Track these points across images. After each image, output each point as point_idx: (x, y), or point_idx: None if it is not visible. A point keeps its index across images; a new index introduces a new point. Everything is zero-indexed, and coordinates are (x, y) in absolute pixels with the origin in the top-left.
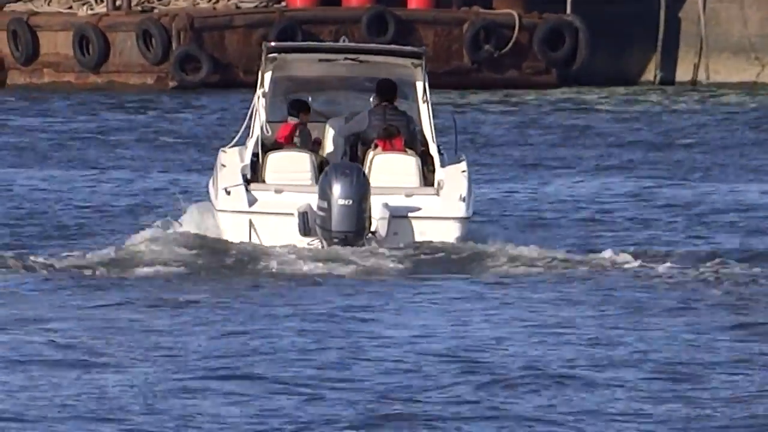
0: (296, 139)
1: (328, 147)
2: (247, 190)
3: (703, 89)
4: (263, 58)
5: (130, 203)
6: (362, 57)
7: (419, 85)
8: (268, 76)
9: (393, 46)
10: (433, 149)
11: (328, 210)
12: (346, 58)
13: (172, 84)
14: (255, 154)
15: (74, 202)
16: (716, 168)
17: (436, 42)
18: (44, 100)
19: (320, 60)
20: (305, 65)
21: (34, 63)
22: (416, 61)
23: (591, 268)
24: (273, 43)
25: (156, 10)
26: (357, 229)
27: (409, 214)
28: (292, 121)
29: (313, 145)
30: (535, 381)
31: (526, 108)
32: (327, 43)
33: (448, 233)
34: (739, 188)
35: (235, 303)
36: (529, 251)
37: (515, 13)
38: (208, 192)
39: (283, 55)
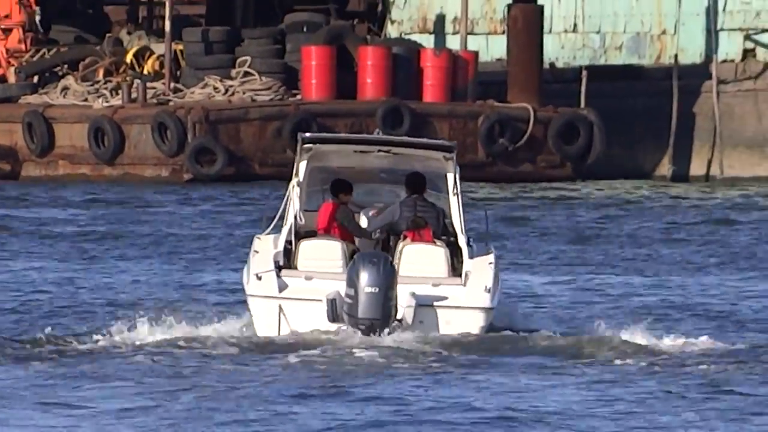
0: (338, 216)
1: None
2: (278, 276)
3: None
4: (298, 148)
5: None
6: (395, 149)
7: (450, 177)
8: (303, 165)
9: (426, 140)
10: (461, 241)
11: (355, 297)
12: (379, 150)
13: (186, 176)
14: (288, 242)
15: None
16: None
17: (451, 135)
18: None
19: (355, 151)
20: (339, 156)
21: (49, 155)
22: (447, 155)
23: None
24: (308, 134)
25: (171, 103)
26: (383, 317)
27: (435, 303)
28: (333, 201)
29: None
30: None
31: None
32: (362, 135)
33: (472, 323)
34: None
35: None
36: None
37: (530, 107)
38: (241, 277)
39: (318, 145)
